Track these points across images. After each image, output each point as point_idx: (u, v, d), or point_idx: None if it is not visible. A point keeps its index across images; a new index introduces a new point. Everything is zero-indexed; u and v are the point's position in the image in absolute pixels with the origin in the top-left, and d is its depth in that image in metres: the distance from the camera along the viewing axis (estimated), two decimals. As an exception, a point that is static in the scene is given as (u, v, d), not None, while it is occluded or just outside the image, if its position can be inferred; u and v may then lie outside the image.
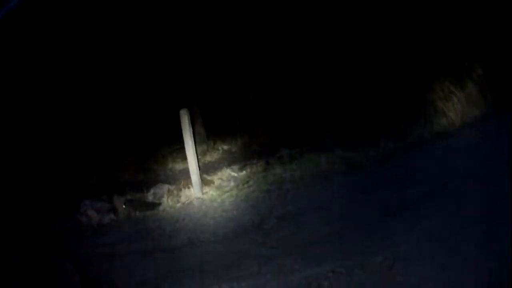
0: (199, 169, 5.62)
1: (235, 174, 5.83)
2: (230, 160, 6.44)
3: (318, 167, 5.29)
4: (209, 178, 5.86)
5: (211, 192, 5.48)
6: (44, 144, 6.13)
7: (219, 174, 5.94)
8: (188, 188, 5.57)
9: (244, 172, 5.84)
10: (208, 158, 6.92)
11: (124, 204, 5.47)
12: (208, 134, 7.31)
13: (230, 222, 4.59)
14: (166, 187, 5.73)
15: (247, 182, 5.53)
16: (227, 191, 5.40)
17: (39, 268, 1.35)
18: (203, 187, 5.54)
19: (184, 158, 5.84)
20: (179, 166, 6.71)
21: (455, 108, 5.32)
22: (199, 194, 5.43)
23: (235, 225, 4.48)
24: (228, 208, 4.98)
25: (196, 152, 5.67)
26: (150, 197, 5.65)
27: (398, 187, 4.25)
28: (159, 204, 5.47)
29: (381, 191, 4.33)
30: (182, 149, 5.97)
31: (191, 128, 5.59)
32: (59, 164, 6.31)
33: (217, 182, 5.75)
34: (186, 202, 5.37)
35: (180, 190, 5.60)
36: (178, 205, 5.37)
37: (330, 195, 4.51)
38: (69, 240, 4.83)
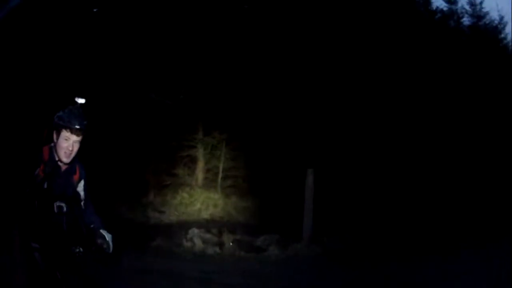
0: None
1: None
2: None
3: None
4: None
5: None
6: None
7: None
8: (297, 242, 5.90)
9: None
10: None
11: (232, 242, 6.01)
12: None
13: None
14: (276, 237, 6.08)
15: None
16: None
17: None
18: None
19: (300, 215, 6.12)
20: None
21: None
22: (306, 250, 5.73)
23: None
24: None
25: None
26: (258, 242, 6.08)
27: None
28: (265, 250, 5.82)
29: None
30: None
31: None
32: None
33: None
34: (292, 255, 5.67)
35: (289, 243, 5.92)
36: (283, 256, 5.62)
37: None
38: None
